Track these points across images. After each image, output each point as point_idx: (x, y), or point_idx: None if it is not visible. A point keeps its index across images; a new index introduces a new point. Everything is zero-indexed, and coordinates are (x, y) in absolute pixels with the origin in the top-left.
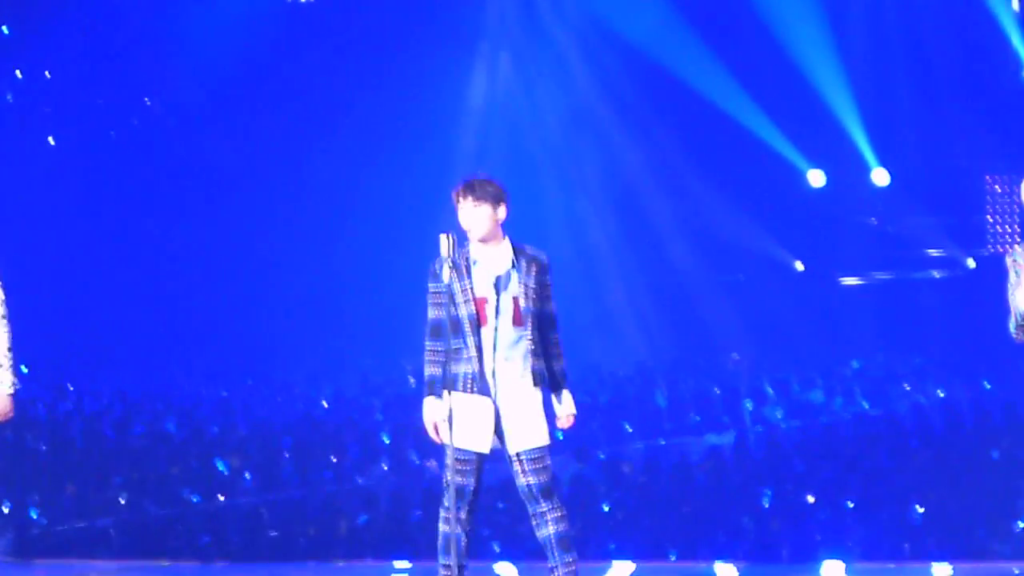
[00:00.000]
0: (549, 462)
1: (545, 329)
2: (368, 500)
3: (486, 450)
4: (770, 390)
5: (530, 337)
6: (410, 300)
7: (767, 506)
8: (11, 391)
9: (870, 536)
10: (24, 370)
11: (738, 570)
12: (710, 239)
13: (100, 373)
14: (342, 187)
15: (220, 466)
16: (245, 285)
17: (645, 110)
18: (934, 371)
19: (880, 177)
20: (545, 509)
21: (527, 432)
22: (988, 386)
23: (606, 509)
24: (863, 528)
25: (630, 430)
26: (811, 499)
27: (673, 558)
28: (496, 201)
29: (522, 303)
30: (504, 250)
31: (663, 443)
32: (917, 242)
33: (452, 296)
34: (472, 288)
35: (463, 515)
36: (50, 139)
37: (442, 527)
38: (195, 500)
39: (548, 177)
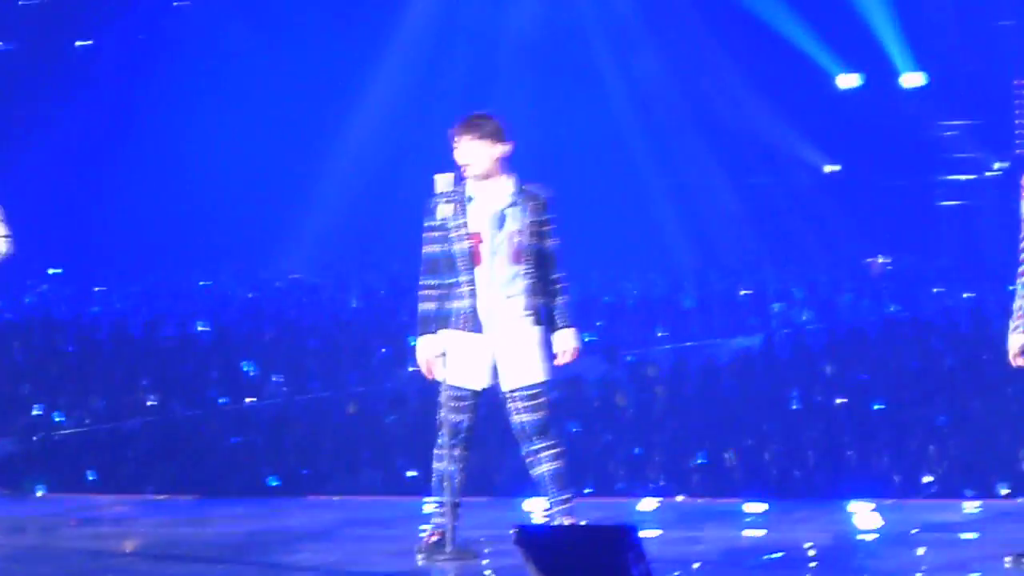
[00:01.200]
0: (544, 399)
1: (546, 267)
2: (395, 401)
3: (479, 387)
4: (798, 292)
5: (529, 275)
6: None
7: (795, 408)
8: None
9: (898, 438)
10: (50, 272)
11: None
12: (740, 141)
13: (128, 275)
14: (368, 90)
15: (247, 367)
16: (274, 187)
17: (674, 12)
18: (961, 273)
19: (911, 80)
20: (539, 447)
21: (520, 369)
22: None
23: (631, 411)
24: (891, 430)
25: (660, 334)
26: (839, 401)
27: (700, 460)
28: (494, 137)
29: (520, 240)
30: (503, 187)
31: (691, 345)
32: (946, 145)
33: (447, 232)
34: (467, 225)
35: (457, 452)
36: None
37: (436, 464)
38: (222, 401)
39: (578, 84)
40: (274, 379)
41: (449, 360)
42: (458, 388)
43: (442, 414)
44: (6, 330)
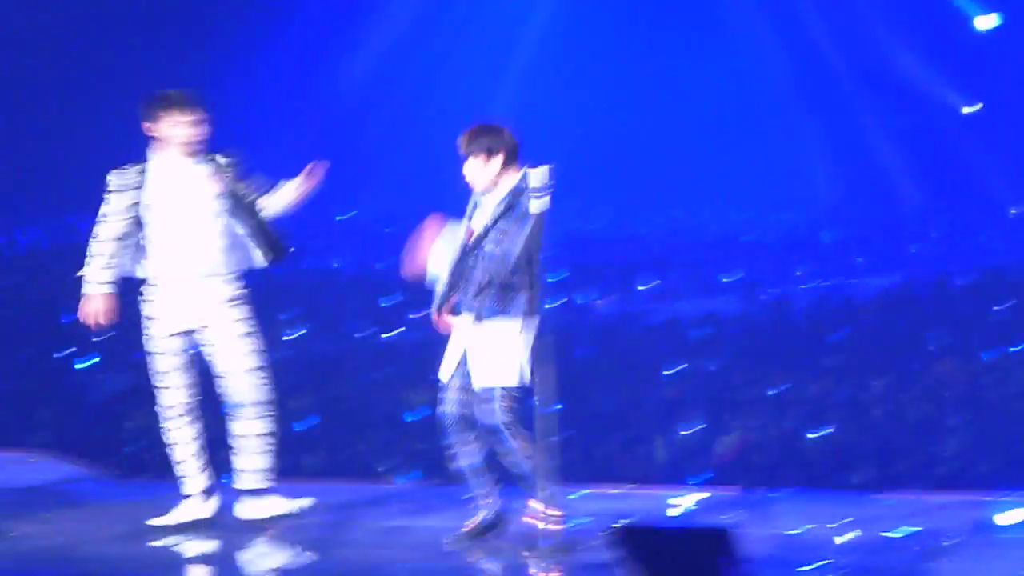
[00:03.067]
0: (498, 405)
1: (520, 269)
2: None
3: (444, 379)
4: (934, 233)
5: (497, 279)
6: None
7: (932, 349)
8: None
9: None
10: None
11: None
12: (882, 83)
13: None
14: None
15: (384, 303)
16: (430, 129)
17: None
18: None
19: None
20: (471, 438)
21: (482, 369)
22: None
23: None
24: None
25: (798, 273)
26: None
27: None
28: (488, 152)
29: (489, 247)
30: (500, 195)
31: (828, 284)
32: None
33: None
34: (469, 224)
35: (458, 446)
36: None
37: (452, 464)
38: (356, 336)
39: (726, 27)
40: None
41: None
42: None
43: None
44: None
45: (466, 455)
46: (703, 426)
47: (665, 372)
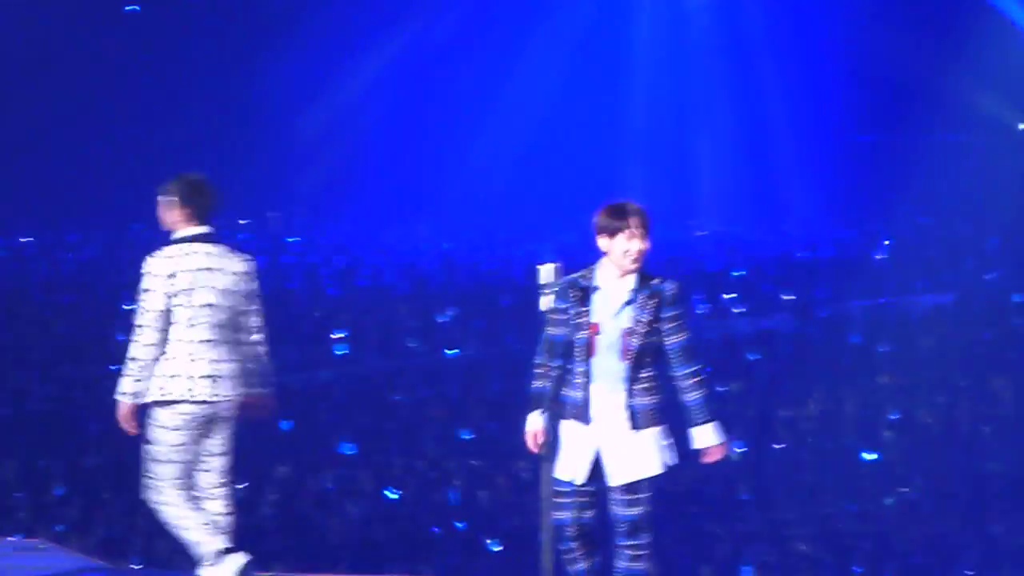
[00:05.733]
0: (642, 496)
1: (673, 363)
2: None
3: (576, 481)
4: (990, 249)
5: (638, 374)
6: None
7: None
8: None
9: None
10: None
11: None
12: (934, 99)
13: (322, 225)
14: None
15: (441, 319)
16: (469, 135)
17: None
18: None
19: None
20: (626, 544)
21: (620, 467)
22: None
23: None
24: None
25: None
26: None
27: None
28: (597, 232)
29: (630, 340)
30: (628, 281)
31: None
32: None
33: (570, 318)
34: (589, 313)
35: (574, 552)
36: None
37: (568, 568)
38: (414, 346)
39: (775, 40)
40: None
41: (559, 451)
42: (559, 482)
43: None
44: None
45: (574, 560)
46: None
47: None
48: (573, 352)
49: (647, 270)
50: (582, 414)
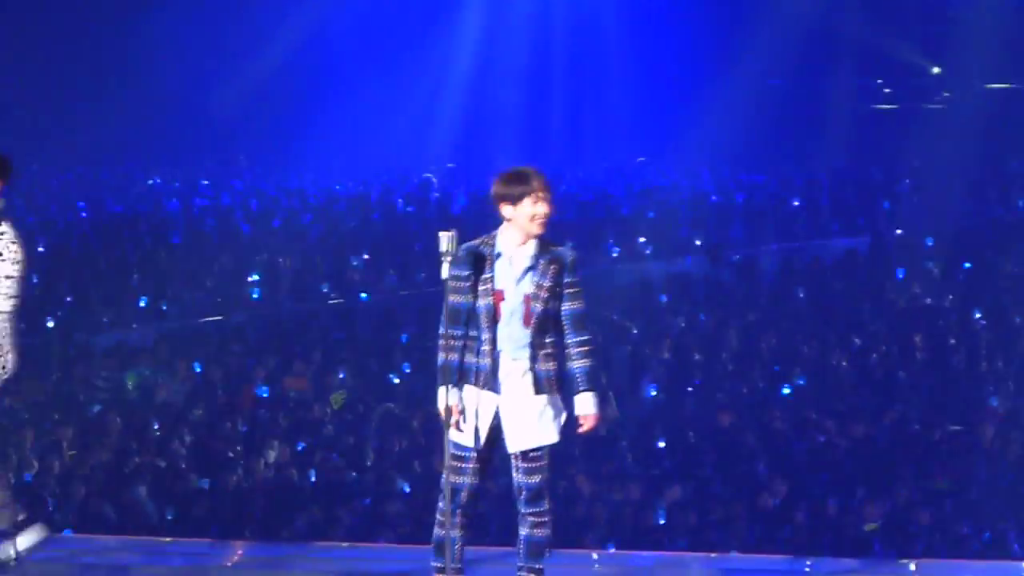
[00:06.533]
0: (541, 464)
1: (566, 331)
2: None
3: (474, 446)
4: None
5: (539, 339)
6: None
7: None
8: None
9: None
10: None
11: None
12: (846, 42)
13: (232, 170)
14: None
15: (354, 262)
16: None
17: None
18: None
19: None
20: (528, 512)
21: (520, 433)
22: None
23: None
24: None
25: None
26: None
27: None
28: (499, 200)
29: (533, 304)
30: (529, 246)
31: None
32: None
33: (473, 285)
34: (492, 281)
35: (458, 517)
36: None
37: (436, 529)
38: (329, 296)
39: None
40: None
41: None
42: (459, 447)
43: (445, 476)
44: (117, 223)
45: (454, 525)
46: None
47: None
48: (476, 319)
49: (547, 236)
50: (488, 381)
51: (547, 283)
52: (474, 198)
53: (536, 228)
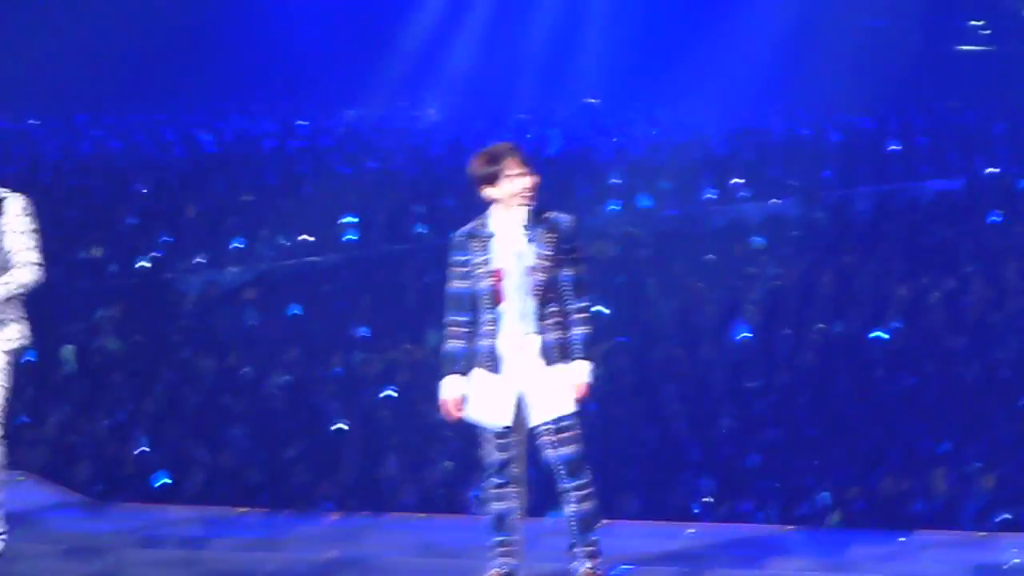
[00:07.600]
0: (573, 433)
1: (566, 297)
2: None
3: (503, 424)
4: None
5: (549, 309)
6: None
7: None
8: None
9: None
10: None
11: None
12: None
13: (334, 111)
14: None
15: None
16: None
17: None
18: None
19: None
20: (569, 487)
21: (543, 404)
22: None
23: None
24: None
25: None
26: None
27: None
28: (480, 184)
29: (537, 275)
30: (520, 218)
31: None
32: None
33: (472, 269)
34: (490, 262)
35: (511, 488)
36: None
37: (494, 504)
38: (424, 232)
39: None
40: None
41: (476, 399)
42: (487, 428)
43: (484, 453)
44: (209, 163)
45: (508, 498)
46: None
47: None
48: (480, 302)
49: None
50: (496, 362)
51: (547, 251)
52: (570, 139)
53: (523, 202)
